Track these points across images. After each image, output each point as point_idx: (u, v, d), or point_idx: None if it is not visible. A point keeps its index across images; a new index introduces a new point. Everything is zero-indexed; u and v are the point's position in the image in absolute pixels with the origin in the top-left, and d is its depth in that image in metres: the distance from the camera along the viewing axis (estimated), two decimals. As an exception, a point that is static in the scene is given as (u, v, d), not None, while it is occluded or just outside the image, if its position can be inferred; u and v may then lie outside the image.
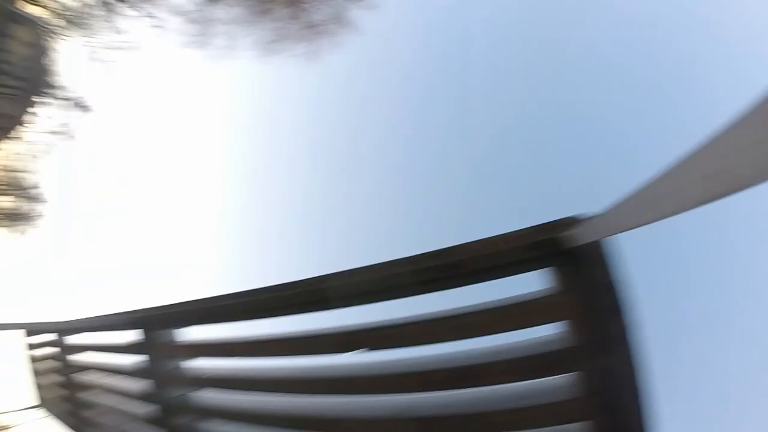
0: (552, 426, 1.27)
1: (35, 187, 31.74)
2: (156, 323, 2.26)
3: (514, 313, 1.20)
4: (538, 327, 1.20)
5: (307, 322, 1.65)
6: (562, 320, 1.14)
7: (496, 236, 1.11)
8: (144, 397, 2.56)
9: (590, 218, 0.97)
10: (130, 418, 2.94)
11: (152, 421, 2.52)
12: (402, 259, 1.28)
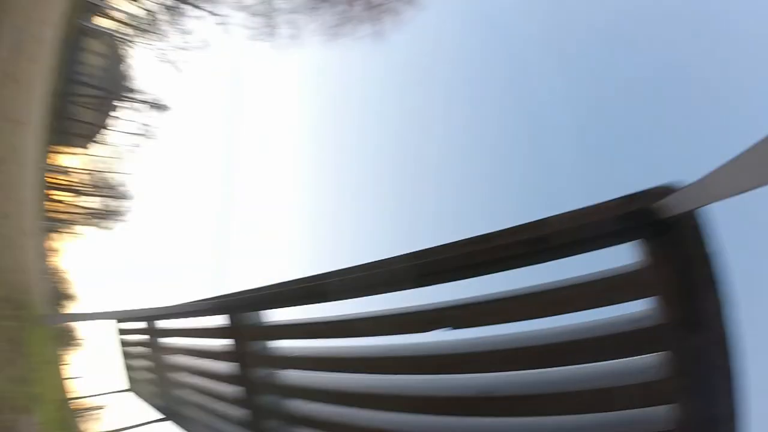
0: (637, 408, 1.23)
1: (122, 185, 33.69)
2: (240, 307, 2.36)
3: (602, 289, 1.16)
4: (627, 303, 1.15)
5: (390, 301, 1.69)
6: (651, 296, 1.10)
7: (584, 208, 1.08)
8: (229, 379, 2.68)
9: (684, 186, 0.92)
10: (216, 399, 3.09)
11: (238, 402, 2.64)
12: (487, 234, 1.27)
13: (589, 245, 1.12)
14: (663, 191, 0.97)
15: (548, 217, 1.15)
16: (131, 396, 5.78)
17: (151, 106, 32.34)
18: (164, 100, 33.55)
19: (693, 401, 1.10)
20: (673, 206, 0.94)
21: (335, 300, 1.79)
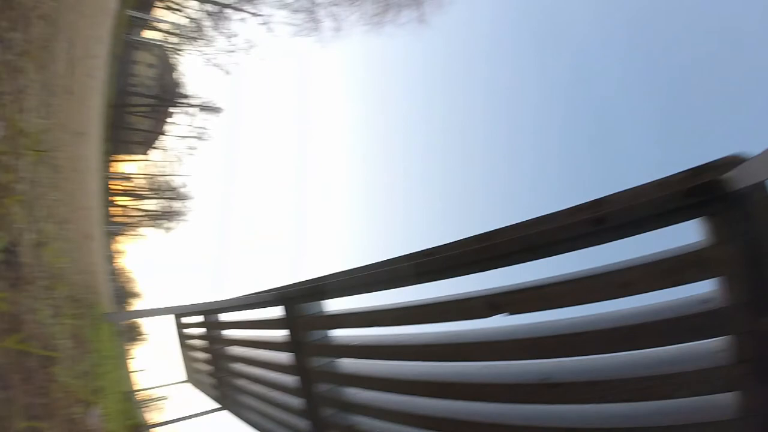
0: (701, 395, 1.18)
1: (181, 186, 35.18)
2: (296, 298, 2.41)
3: (665, 269, 1.11)
4: (691, 285, 1.10)
5: (445, 288, 1.69)
6: (717, 276, 1.04)
7: (646, 184, 1.05)
8: (285, 368, 2.74)
9: (753, 157, 0.87)
10: (271, 389, 3.17)
11: (294, 390, 2.69)
12: (544, 216, 1.26)
13: (651, 223, 1.07)
14: (730, 163, 0.93)
15: (608, 196, 1.12)
16: (190, 387, 5.99)
17: (204, 109, 33.63)
18: (216, 103, 34.83)
19: (760, 388, 1.05)
20: (741, 179, 0.89)
21: (391, 288, 1.80)
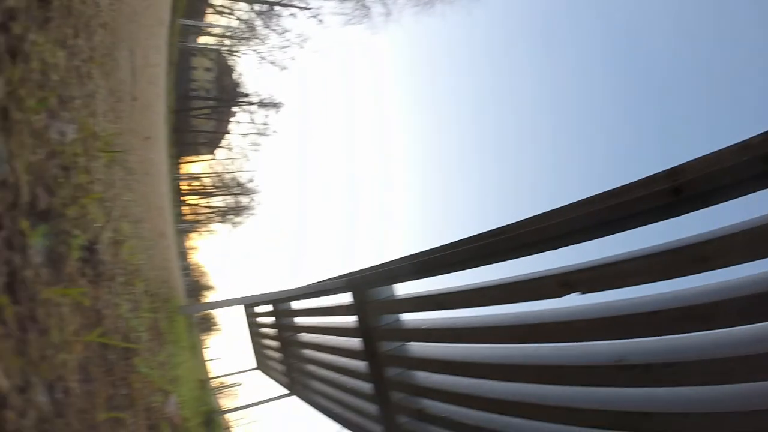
0: None
1: (248, 182, 36.44)
2: (364, 284, 2.41)
3: (745, 241, 1.01)
4: None
5: (515, 268, 1.64)
6: None
7: (726, 149, 0.97)
8: (354, 354, 2.76)
9: None
10: (340, 374, 3.21)
11: (362, 375, 2.71)
12: (617, 188, 1.18)
13: (732, 191, 0.99)
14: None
15: (684, 164, 1.03)
16: (260, 374, 6.18)
17: (264, 106, 34.58)
18: (276, 98, 35.69)
19: None
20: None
21: (460, 270, 1.77)
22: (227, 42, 34.90)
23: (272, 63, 34.14)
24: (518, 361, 1.63)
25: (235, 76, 35.73)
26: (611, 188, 1.21)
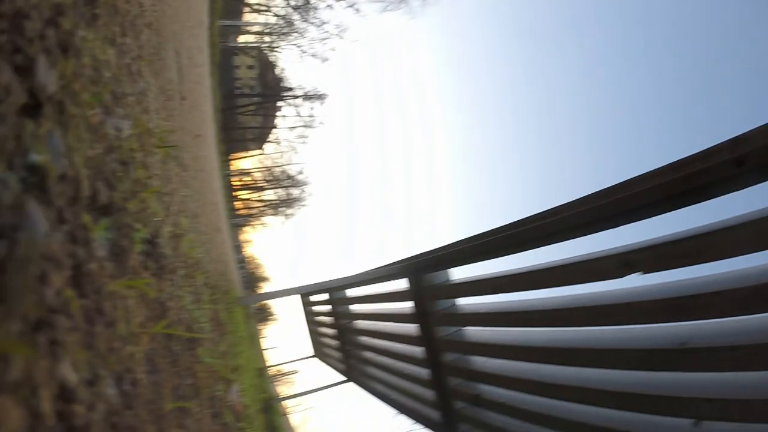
0: None
1: (298, 174, 37.22)
2: (420, 269, 2.38)
3: None
4: None
5: (573, 249, 1.57)
6: None
7: None
8: (410, 339, 2.75)
9: None
10: (396, 360, 3.20)
11: (419, 361, 2.70)
12: (677, 162, 1.10)
13: None
14: None
15: (746, 133, 0.94)
16: (317, 361, 6.29)
17: (309, 98, 35.10)
18: (319, 90, 36.12)
19: None
20: None
21: (516, 252, 1.71)
22: (267, 39, 35.48)
23: (313, 55, 34.54)
24: (577, 344, 1.56)
25: (277, 71, 36.34)
26: (672, 162, 1.12)
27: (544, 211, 1.59)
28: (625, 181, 1.26)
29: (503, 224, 1.77)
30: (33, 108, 0.57)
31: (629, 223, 1.27)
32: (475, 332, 2.20)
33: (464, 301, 2.28)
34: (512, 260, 1.83)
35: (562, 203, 1.48)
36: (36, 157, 0.55)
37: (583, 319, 1.55)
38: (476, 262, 1.97)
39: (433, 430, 2.77)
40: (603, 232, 1.35)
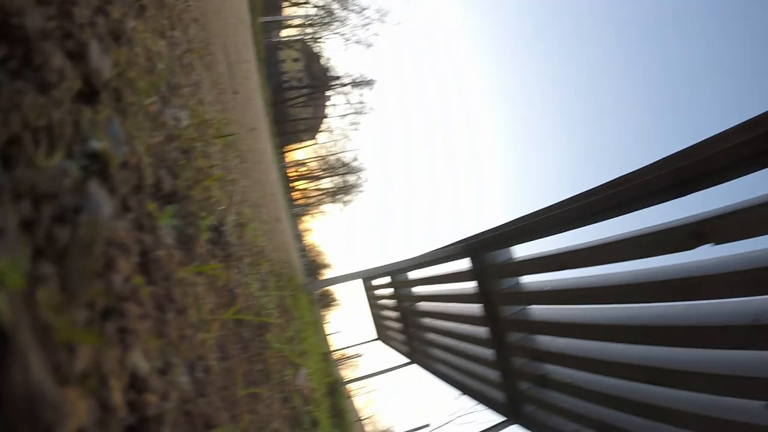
0: None
1: (352, 161, 37.69)
2: (482, 248, 2.32)
3: None
4: None
5: (640, 220, 1.47)
6: None
7: None
8: (473, 320, 2.69)
9: None
10: (459, 341, 3.15)
11: (483, 341, 2.64)
12: (750, 120, 0.99)
13: None
14: None
15: None
16: (380, 344, 6.33)
17: (357, 85, 35.26)
18: (367, 76, 36.19)
19: None
20: None
21: (580, 226, 1.62)
22: (309, 30, 35.74)
23: (357, 42, 34.56)
24: (646, 321, 1.45)
25: (323, 61, 36.62)
26: (746, 119, 1.00)
27: (607, 182, 1.49)
28: (700, 142, 1.15)
29: (567, 197, 1.67)
30: (89, 95, 0.55)
31: (701, 190, 1.16)
32: (540, 311, 2.12)
33: (529, 279, 2.20)
34: (576, 236, 1.74)
35: (636, 169, 1.37)
36: (96, 144, 0.53)
37: (651, 295, 1.44)
38: (541, 237, 1.88)
39: (496, 411, 2.72)
40: (672, 201, 1.23)
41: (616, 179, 1.47)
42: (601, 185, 1.54)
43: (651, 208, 1.33)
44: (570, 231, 1.68)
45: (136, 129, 0.67)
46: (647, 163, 1.36)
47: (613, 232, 1.56)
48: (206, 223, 0.86)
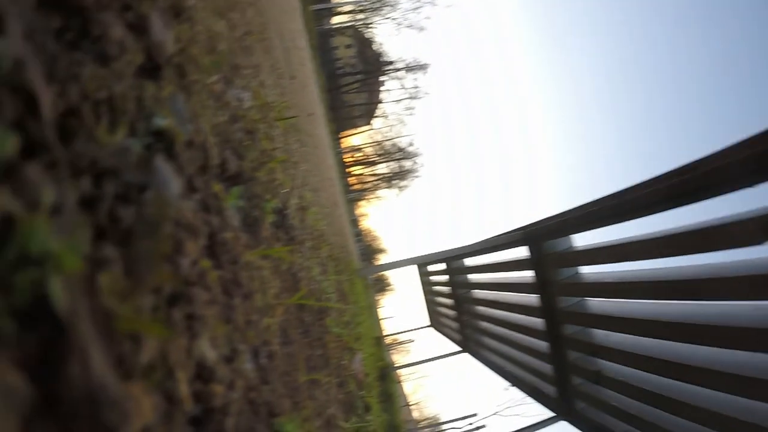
0: None
1: (408, 146, 37.64)
2: (541, 236, 2.22)
3: None
4: None
5: (709, 211, 1.34)
6: None
7: None
8: (527, 310, 2.59)
9: None
10: (513, 331, 3.06)
11: (536, 332, 2.54)
12: None
13: None
14: None
15: None
16: (432, 331, 6.28)
17: (411, 70, 35.00)
18: (421, 60, 35.85)
19: None
20: None
21: (644, 216, 1.50)
22: (360, 16, 35.62)
23: (409, 26, 34.22)
24: (710, 320, 1.32)
25: (375, 47, 36.47)
26: None
27: (677, 168, 1.36)
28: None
29: (634, 183, 1.55)
30: (152, 70, 0.52)
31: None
32: (598, 304, 2.00)
33: (588, 270, 2.08)
34: (640, 226, 1.61)
35: (700, 157, 1.24)
36: (161, 121, 0.51)
37: (718, 292, 1.31)
38: (604, 226, 1.77)
39: (546, 405, 2.62)
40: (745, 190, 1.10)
41: (685, 165, 1.35)
42: (669, 171, 1.41)
43: (722, 197, 1.20)
44: (634, 221, 1.57)
45: (201, 107, 0.64)
46: (720, 148, 1.22)
47: (679, 223, 1.44)
48: (271, 206, 0.83)
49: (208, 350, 0.42)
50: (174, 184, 0.40)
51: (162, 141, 0.49)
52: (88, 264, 0.26)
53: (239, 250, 0.59)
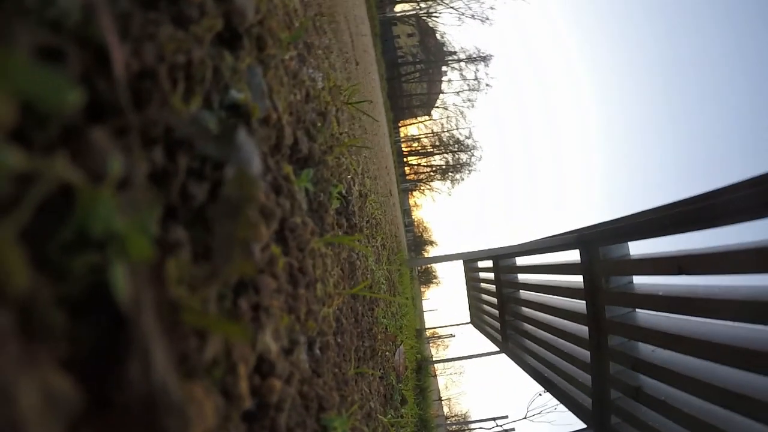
0: None
1: (467, 138, 37.10)
2: (595, 240, 2.11)
3: None
4: None
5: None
6: None
7: None
8: (575, 317, 2.48)
9: None
10: (556, 336, 2.94)
11: (580, 340, 2.42)
12: None
13: None
14: None
15: None
16: (472, 329, 6.18)
17: (473, 61, 34.34)
18: (483, 52, 35.12)
19: None
20: None
21: (710, 227, 1.37)
22: (423, 5, 35.10)
23: (472, 17, 33.50)
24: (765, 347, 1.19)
25: (438, 36, 35.92)
26: None
27: (747, 180, 1.23)
28: None
29: (703, 192, 1.43)
30: (231, 39, 0.49)
31: None
32: (648, 316, 1.88)
33: (642, 280, 1.96)
34: (699, 239, 1.48)
35: None
36: (237, 95, 0.47)
37: None
38: (659, 236, 1.65)
39: (579, 415, 2.50)
40: None
41: (759, 176, 1.22)
42: (741, 181, 1.28)
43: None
44: (696, 232, 1.45)
45: (278, 84, 0.60)
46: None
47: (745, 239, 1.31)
48: (337, 191, 0.79)
49: (271, 342, 0.39)
50: (256, 162, 0.36)
51: (237, 116, 0.46)
52: (156, 248, 0.22)
53: (307, 237, 0.56)
